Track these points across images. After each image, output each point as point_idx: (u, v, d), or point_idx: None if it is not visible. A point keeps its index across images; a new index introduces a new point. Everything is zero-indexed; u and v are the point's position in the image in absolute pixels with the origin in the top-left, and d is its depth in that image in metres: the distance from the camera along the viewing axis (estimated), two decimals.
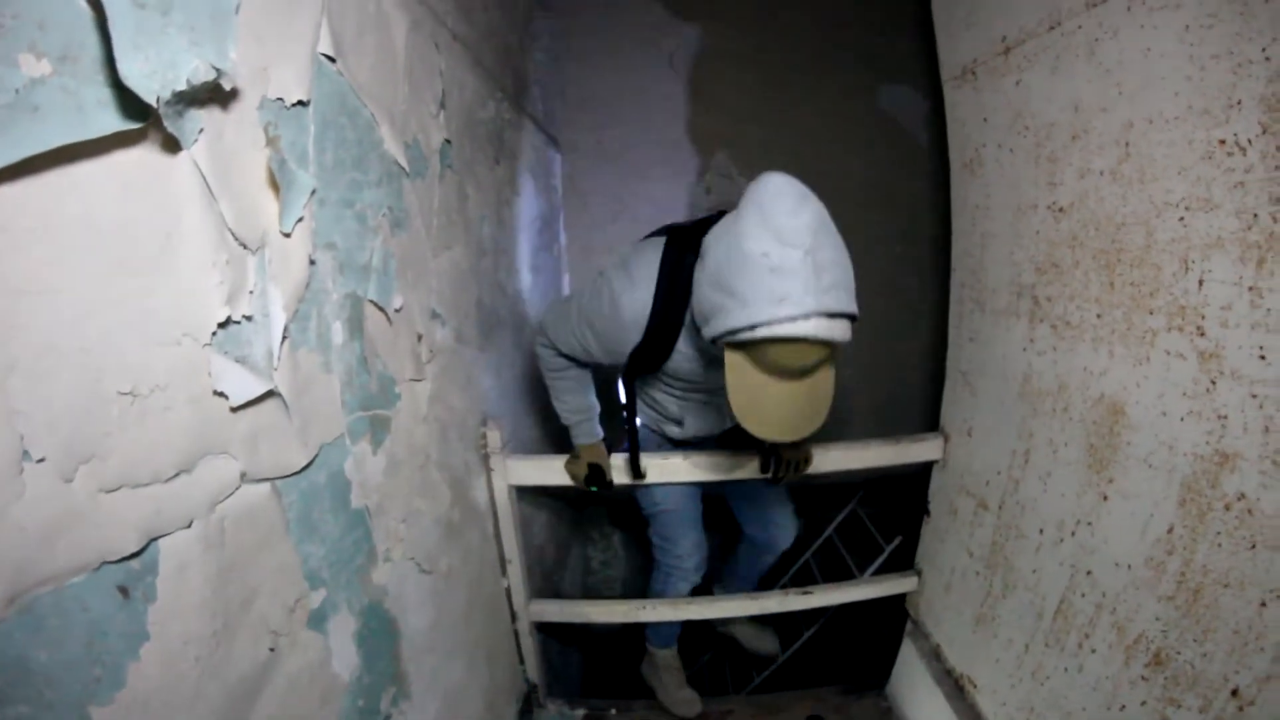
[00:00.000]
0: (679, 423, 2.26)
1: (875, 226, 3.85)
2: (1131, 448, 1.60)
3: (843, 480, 2.53)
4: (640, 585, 2.80)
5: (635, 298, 1.72)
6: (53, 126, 0.66)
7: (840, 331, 1.37)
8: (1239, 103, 1.32)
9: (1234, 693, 1.32)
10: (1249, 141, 1.31)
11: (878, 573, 3.24)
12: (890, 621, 2.82)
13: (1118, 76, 1.61)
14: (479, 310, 2.21)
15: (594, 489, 2.26)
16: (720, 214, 1.62)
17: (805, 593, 2.64)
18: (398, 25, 1.54)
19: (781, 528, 2.66)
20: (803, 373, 1.45)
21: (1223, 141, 1.36)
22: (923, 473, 2.60)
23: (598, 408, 2.22)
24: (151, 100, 0.73)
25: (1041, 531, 1.91)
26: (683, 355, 1.86)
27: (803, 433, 1.50)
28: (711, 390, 2.08)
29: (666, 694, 2.84)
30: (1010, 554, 2.05)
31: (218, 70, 0.83)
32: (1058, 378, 1.86)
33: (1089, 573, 1.71)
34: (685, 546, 2.52)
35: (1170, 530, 1.48)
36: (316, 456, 1.18)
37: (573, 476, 2.26)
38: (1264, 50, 1.27)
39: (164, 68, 0.75)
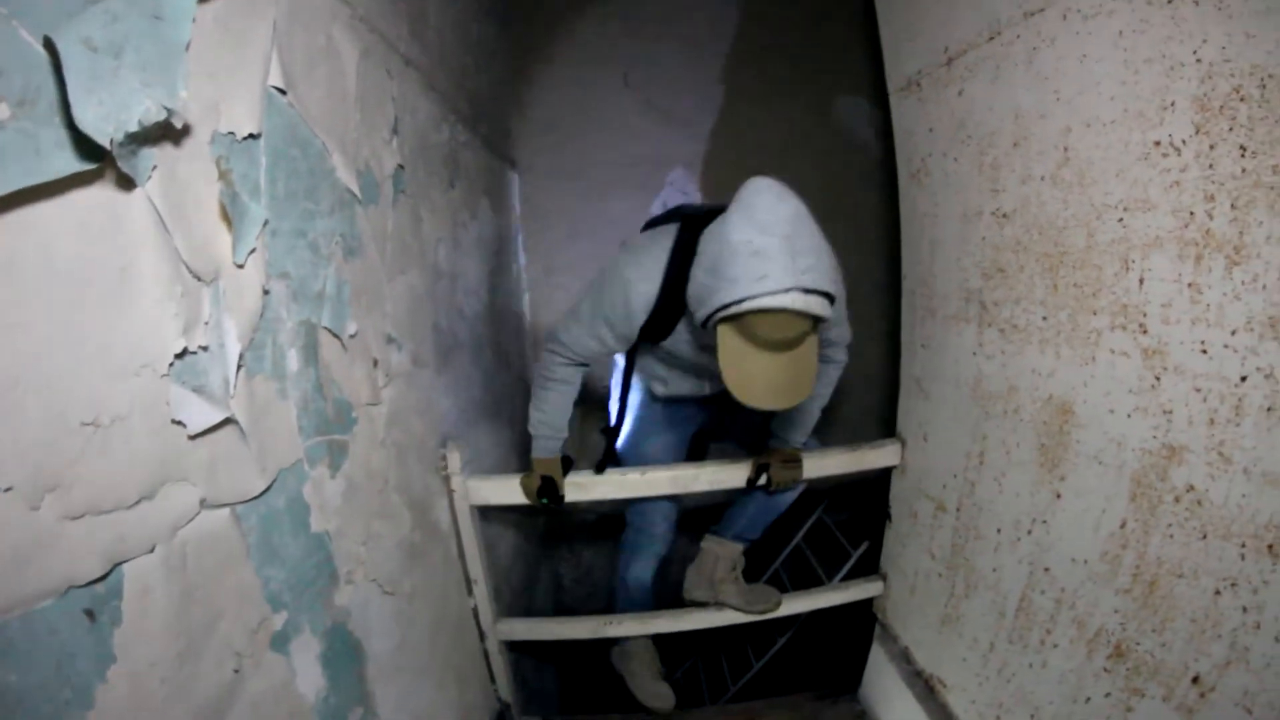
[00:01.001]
0: (664, 382, 2.40)
1: (833, 237, 3.89)
2: (1081, 445, 1.66)
3: (809, 488, 2.56)
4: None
5: (646, 283, 1.88)
6: (13, 169, 0.69)
7: (818, 306, 1.52)
8: (1172, 104, 1.39)
9: (1195, 680, 1.37)
10: (1183, 142, 1.38)
11: (845, 579, 3.29)
12: (861, 626, 2.86)
13: (1055, 83, 1.68)
14: (435, 333, 2.23)
15: (545, 502, 2.29)
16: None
17: None
18: (348, 54, 1.57)
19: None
20: (786, 345, 1.57)
21: (1158, 143, 1.42)
22: (885, 478, 2.66)
23: (566, 434, 2.29)
24: (105, 143, 0.76)
25: (999, 531, 1.96)
26: (680, 337, 2.03)
27: (788, 401, 1.64)
28: (698, 369, 2.25)
29: (638, 686, 2.79)
30: (970, 554, 2.10)
31: (168, 110, 0.86)
32: (1007, 380, 1.93)
33: (1047, 569, 1.77)
34: (660, 511, 2.62)
35: (1123, 524, 1.53)
36: (275, 482, 1.20)
37: (525, 490, 2.31)
38: (1195, 52, 1.34)
39: (117, 109, 0.78)
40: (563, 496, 2.31)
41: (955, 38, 2.03)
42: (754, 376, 1.61)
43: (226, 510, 1.06)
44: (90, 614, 0.79)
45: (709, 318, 1.62)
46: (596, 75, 4.10)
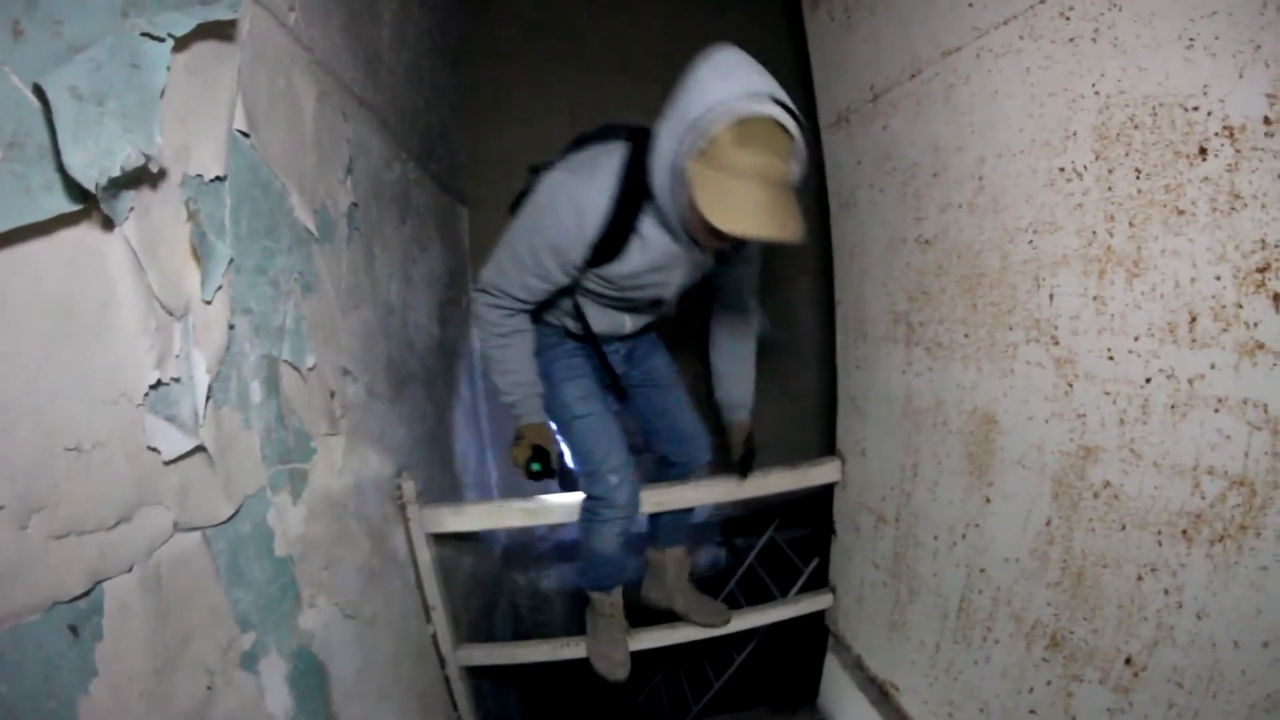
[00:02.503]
0: (579, 319, 2.15)
1: (774, 264, 4.02)
2: (1005, 452, 1.76)
3: (759, 507, 2.64)
4: (572, 627, 2.78)
5: (600, 197, 1.71)
6: (6, 209, 0.75)
7: (795, 129, 1.47)
8: (1074, 134, 1.51)
9: (1127, 661, 1.46)
10: (1084, 168, 1.49)
11: (798, 594, 3.36)
12: (816, 639, 2.94)
13: (970, 117, 1.79)
14: (389, 366, 2.27)
15: (537, 468, 2.14)
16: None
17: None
18: (306, 96, 1.63)
19: (696, 437, 2.49)
20: (767, 179, 1.45)
21: (1062, 169, 1.54)
22: (829, 495, 2.75)
23: (540, 385, 2.15)
24: (91, 187, 0.82)
25: (936, 538, 2.05)
26: (630, 259, 1.83)
27: (781, 230, 1.47)
28: (628, 302, 2.07)
29: (595, 644, 2.55)
30: (911, 562, 2.19)
31: (146, 156, 0.93)
32: (935, 395, 2.03)
33: (983, 570, 1.86)
34: (613, 461, 2.20)
35: (1048, 522, 1.63)
36: (241, 507, 1.24)
37: (515, 461, 2.16)
38: (1094, 85, 1.46)
39: (101, 156, 0.85)
40: (555, 469, 2.18)
41: (880, 76, 2.16)
42: (740, 202, 1.45)
43: (198, 534, 1.11)
44: (74, 629, 0.84)
45: (678, 154, 1.51)
46: (545, 111, 4.18)
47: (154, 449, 1.00)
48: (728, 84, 1.45)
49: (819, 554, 3.34)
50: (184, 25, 1.06)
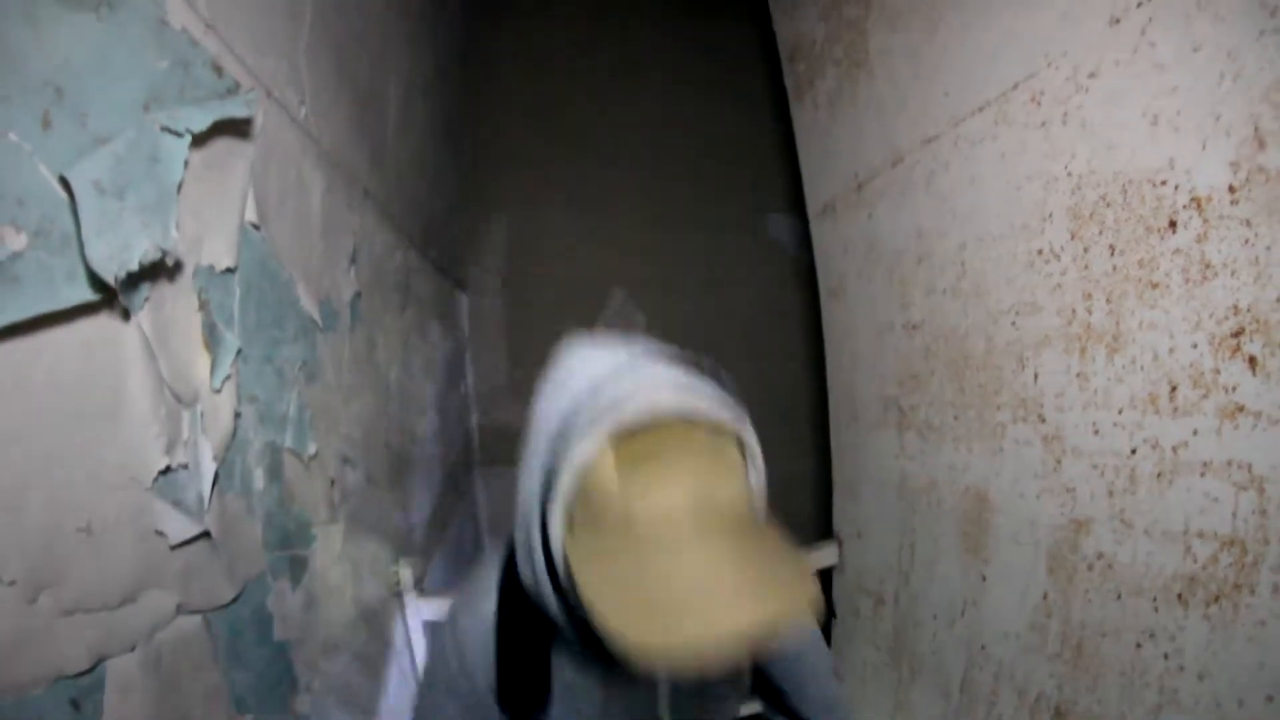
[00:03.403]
0: None
1: (767, 346, 4.11)
2: (999, 529, 1.78)
3: None
4: None
5: (478, 614, 1.09)
6: (30, 297, 0.79)
7: (709, 402, 0.87)
8: (1050, 215, 1.58)
9: None
10: (1061, 249, 1.56)
11: None
12: None
13: (951, 203, 1.87)
14: (388, 453, 2.29)
15: None
16: None
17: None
18: (314, 188, 1.69)
19: None
20: (702, 516, 0.81)
21: (1040, 251, 1.61)
22: (827, 578, 2.74)
23: None
24: (111, 280, 0.87)
25: (935, 617, 2.05)
26: (569, 684, 1.10)
27: (760, 608, 0.76)
28: None
29: None
30: (911, 642, 2.19)
31: (163, 250, 0.98)
32: (928, 477, 2.05)
33: (983, 647, 1.85)
34: None
35: (1045, 596, 1.64)
36: (242, 592, 1.26)
37: None
38: (1065, 167, 1.54)
39: (121, 250, 0.89)
40: None
41: (864, 165, 2.25)
42: (683, 581, 0.77)
43: (199, 616, 1.12)
44: (75, 704, 0.85)
45: (538, 516, 0.90)
46: (541, 199, 4.29)
47: (161, 532, 1.02)
48: (587, 371, 0.91)
49: (825, 636, 3.32)
50: (202, 121, 1.12)
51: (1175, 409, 1.36)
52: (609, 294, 4.39)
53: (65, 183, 0.84)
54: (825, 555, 2.66)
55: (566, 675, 1.09)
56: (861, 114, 2.29)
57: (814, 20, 2.64)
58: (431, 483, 2.86)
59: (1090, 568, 1.54)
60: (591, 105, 4.46)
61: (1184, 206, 1.32)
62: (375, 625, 2.01)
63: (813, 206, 2.65)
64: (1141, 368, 1.41)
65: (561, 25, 4.49)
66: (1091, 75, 1.48)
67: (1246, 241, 1.23)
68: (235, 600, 1.23)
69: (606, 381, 0.87)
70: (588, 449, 0.84)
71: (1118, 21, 1.42)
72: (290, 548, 1.49)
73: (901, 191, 2.11)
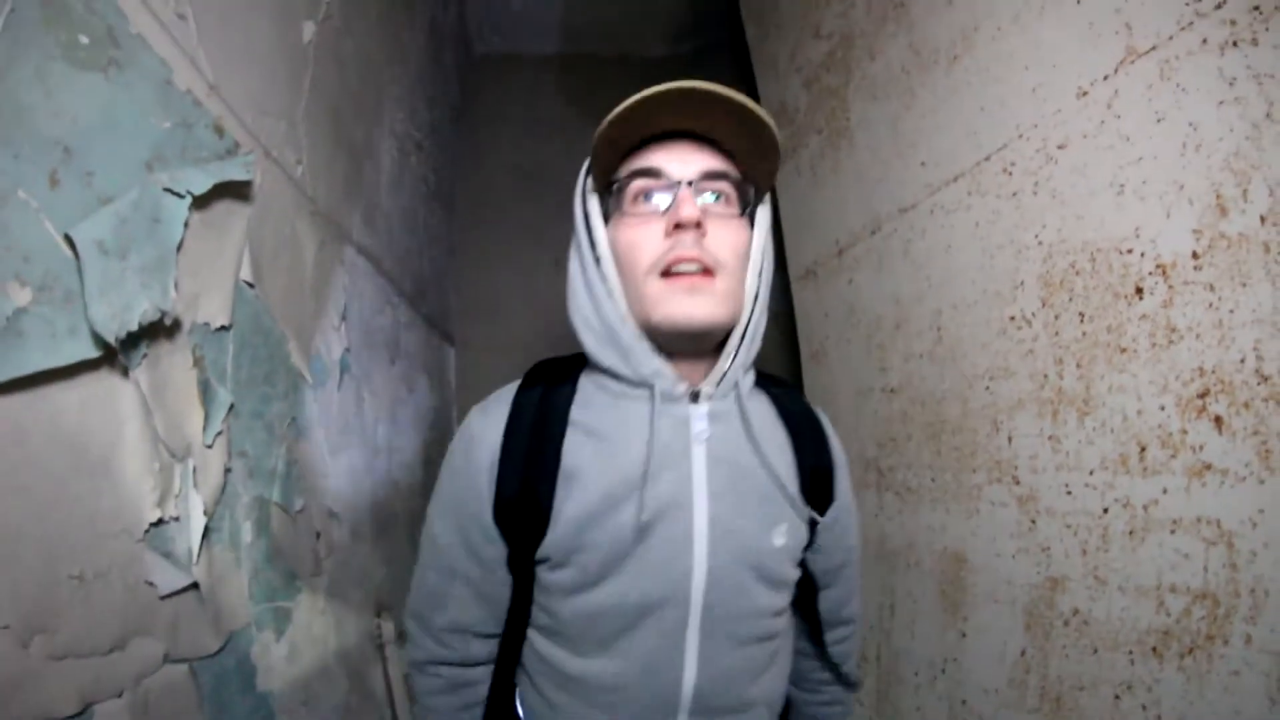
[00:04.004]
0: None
1: None
2: (977, 588, 1.80)
3: None
4: None
5: (490, 414, 1.07)
6: (33, 351, 0.84)
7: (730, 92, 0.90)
8: (1022, 283, 1.63)
9: None
10: (1033, 315, 1.60)
11: None
12: None
13: (927, 270, 1.91)
14: (373, 508, 2.32)
15: None
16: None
17: None
18: (308, 246, 1.75)
19: None
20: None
21: (1013, 318, 1.65)
22: None
23: None
24: (112, 340, 0.92)
25: (917, 674, 2.06)
26: (584, 449, 1.01)
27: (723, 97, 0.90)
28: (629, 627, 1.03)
29: None
30: (894, 698, 2.19)
31: (162, 311, 1.02)
32: (907, 537, 2.08)
33: (964, 702, 1.86)
34: None
35: (1023, 653, 1.65)
36: (227, 642, 1.28)
37: None
38: (1036, 236, 1.59)
39: (122, 310, 0.94)
40: None
41: (845, 231, 2.31)
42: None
43: (185, 665, 1.15)
44: None
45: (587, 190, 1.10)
46: (532, 256, 4.34)
47: (151, 583, 1.06)
48: None
49: None
50: (202, 184, 1.18)
51: (1145, 469, 1.39)
52: None
53: (70, 241, 0.88)
54: None
55: (585, 413, 1.06)
56: (842, 181, 2.37)
57: (798, 88, 2.73)
58: (415, 537, 2.83)
59: (1066, 624, 1.56)
60: (577, 166, 4.53)
61: (1150, 273, 1.37)
62: (356, 677, 2.01)
63: (794, 270, 2.71)
64: (1111, 430, 1.45)
65: (550, 88, 4.61)
66: (1061, 146, 1.54)
67: (1210, 305, 1.27)
68: (221, 650, 1.26)
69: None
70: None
71: (1085, 94, 1.49)
72: (275, 600, 1.51)
73: (880, 258, 2.17)
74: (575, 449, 1.02)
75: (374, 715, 2.13)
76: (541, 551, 1.01)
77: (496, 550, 1.05)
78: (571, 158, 4.24)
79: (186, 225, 1.13)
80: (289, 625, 1.57)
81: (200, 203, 1.19)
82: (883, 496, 2.20)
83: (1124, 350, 1.42)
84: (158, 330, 1.07)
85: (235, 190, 1.32)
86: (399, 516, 2.65)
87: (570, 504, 0.99)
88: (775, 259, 1.15)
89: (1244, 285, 1.23)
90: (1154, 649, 1.38)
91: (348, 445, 2.06)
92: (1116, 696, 1.45)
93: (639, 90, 0.91)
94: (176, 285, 1.09)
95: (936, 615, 1.96)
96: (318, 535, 1.78)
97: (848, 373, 2.37)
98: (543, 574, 1.04)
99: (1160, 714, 1.37)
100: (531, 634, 1.11)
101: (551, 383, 1.10)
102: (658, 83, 0.90)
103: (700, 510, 1.01)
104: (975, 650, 1.82)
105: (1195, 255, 1.29)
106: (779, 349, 4.23)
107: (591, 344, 1.05)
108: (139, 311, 0.98)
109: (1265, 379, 1.20)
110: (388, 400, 2.59)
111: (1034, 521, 1.63)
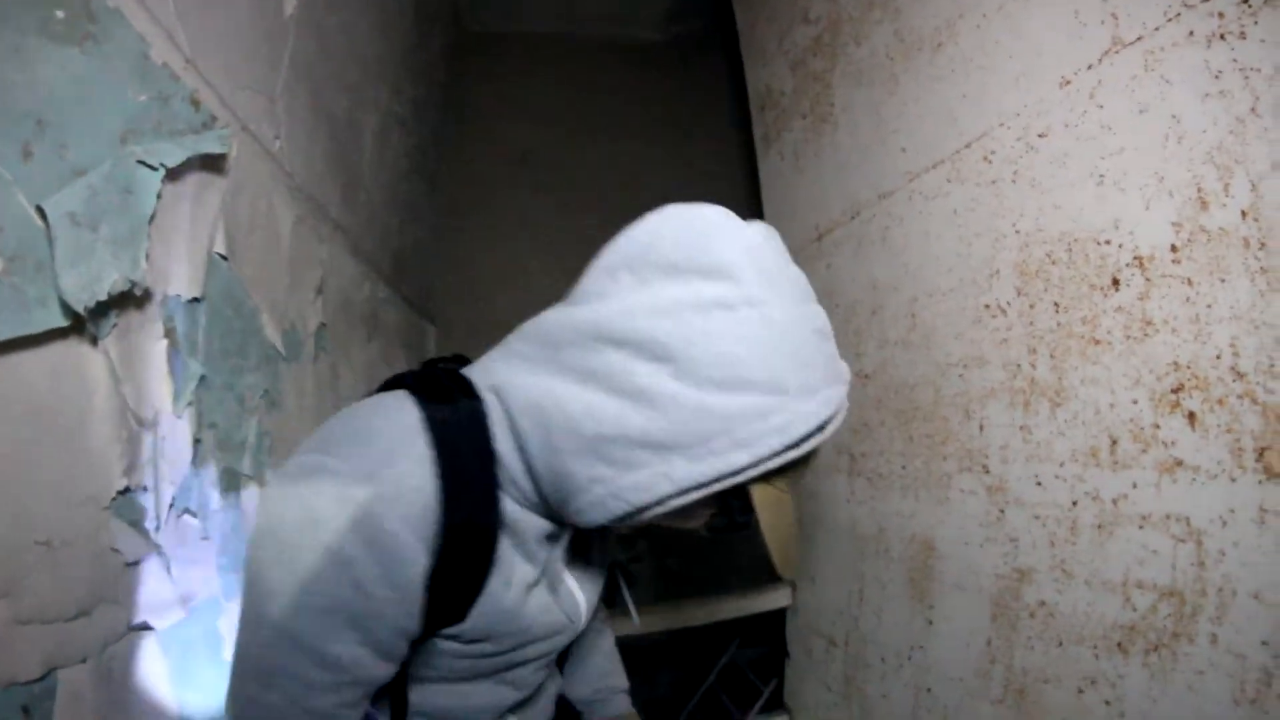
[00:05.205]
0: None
1: None
2: (945, 576, 1.82)
3: (718, 626, 2.68)
4: None
5: (403, 473, 0.81)
6: (3, 320, 0.83)
7: None
8: (998, 272, 1.64)
9: None
10: (1008, 304, 1.62)
11: (757, 715, 3.34)
12: None
13: (905, 257, 1.93)
14: None
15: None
16: (458, 358, 1.15)
17: None
18: (284, 220, 1.74)
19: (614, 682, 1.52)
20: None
21: (987, 306, 1.67)
22: (781, 619, 2.79)
23: None
24: (81, 310, 0.92)
25: (884, 660, 2.09)
26: (507, 586, 0.93)
27: None
28: (519, 659, 1.04)
29: None
30: (861, 683, 2.22)
31: (132, 282, 1.03)
32: (877, 523, 2.10)
33: (929, 690, 1.88)
34: None
35: (989, 642, 1.68)
36: (193, 612, 1.29)
37: None
38: (1014, 225, 1.60)
39: (92, 281, 0.94)
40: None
41: (824, 216, 2.33)
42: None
43: (150, 633, 1.16)
44: (26, 710, 0.88)
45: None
46: (512, 238, 4.35)
47: (117, 550, 1.06)
48: (821, 361, 0.81)
49: (777, 674, 3.35)
50: (177, 156, 1.17)
51: (1115, 462, 1.41)
52: None
53: (41, 212, 0.88)
54: (778, 597, 2.71)
55: (513, 573, 0.93)
56: (824, 166, 2.38)
57: (784, 72, 2.73)
58: None
59: (1032, 615, 1.58)
60: (564, 149, 4.54)
61: (1127, 265, 1.38)
62: None
63: None
64: (1083, 422, 1.47)
65: (540, 70, 4.61)
66: (1042, 135, 1.56)
67: (1187, 299, 1.28)
68: (186, 619, 1.26)
69: (824, 364, 0.81)
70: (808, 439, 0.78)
71: (1068, 83, 1.50)
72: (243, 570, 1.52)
73: (858, 244, 2.19)
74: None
75: None
76: (453, 630, 0.92)
77: (407, 637, 0.89)
78: (559, 139, 4.25)
79: (159, 197, 1.12)
80: None
81: (174, 175, 1.18)
82: (854, 482, 2.23)
83: (1098, 342, 1.44)
84: (128, 301, 1.06)
85: (210, 163, 1.32)
86: None
87: (499, 595, 0.92)
88: None
89: (1222, 280, 1.24)
90: (1119, 645, 1.40)
91: (322, 419, 2.05)
92: (1080, 691, 1.47)
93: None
94: (148, 257, 1.09)
95: (904, 602, 1.99)
96: None
97: None
98: (443, 643, 0.94)
99: (1124, 711, 1.39)
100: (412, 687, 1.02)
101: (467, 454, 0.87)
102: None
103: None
104: (942, 638, 1.85)
105: (1174, 249, 1.30)
106: None
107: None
108: (109, 282, 0.98)
109: (1240, 376, 1.21)
110: (365, 376, 2.58)
111: (1003, 511, 1.65)
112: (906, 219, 1.97)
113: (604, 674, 1.48)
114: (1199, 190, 1.27)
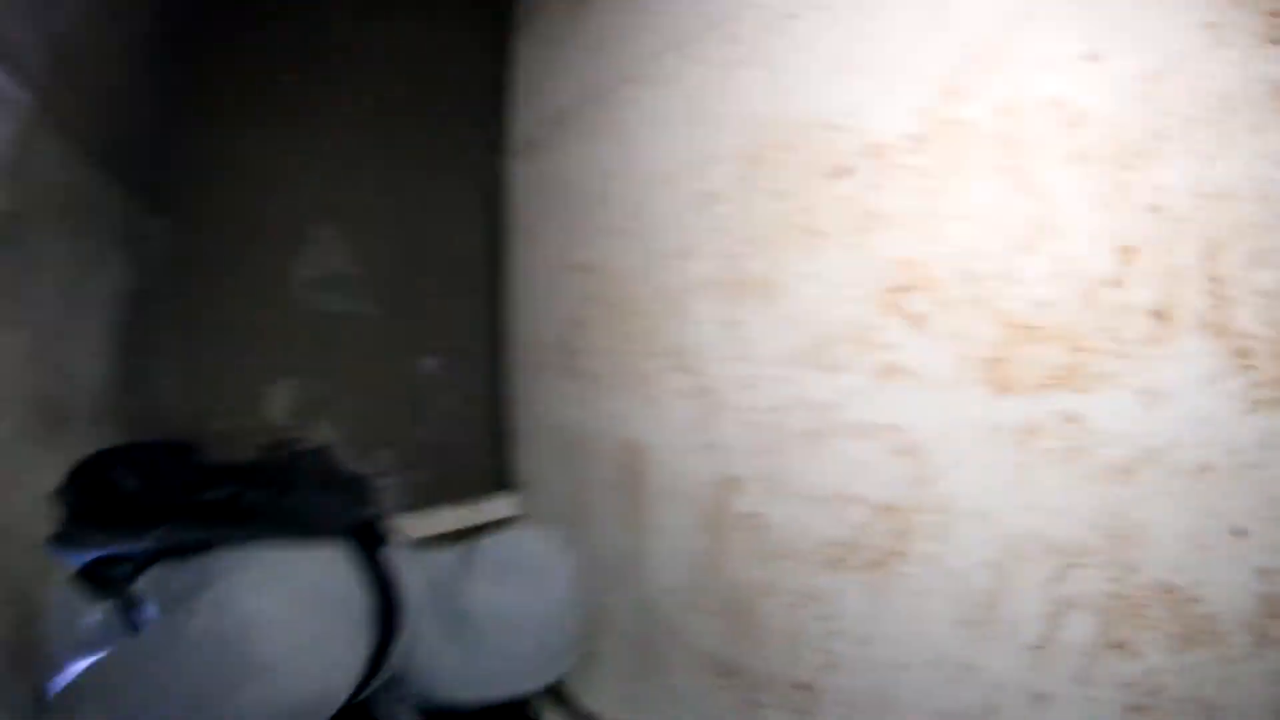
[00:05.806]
0: None
1: (473, 286, 3.92)
2: (655, 484, 1.77)
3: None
4: None
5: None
6: None
7: None
8: (721, 156, 1.57)
9: (803, 686, 1.44)
10: (728, 192, 1.56)
11: None
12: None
13: (638, 142, 1.85)
14: (39, 400, 2.03)
15: None
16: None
17: None
18: None
19: None
20: None
21: (707, 193, 1.60)
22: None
23: None
24: None
25: (604, 571, 2.02)
26: None
27: None
28: None
29: None
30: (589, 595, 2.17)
31: None
32: (591, 425, 2.04)
33: (648, 601, 1.85)
34: None
35: (704, 553, 1.63)
36: None
37: None
38: (749, 108, 1.53)
39: None
40: None
41: (568, 101, 2.19)
42: None
43: None
44: None
45: None
46: (261, 124, 3.90)
47: None
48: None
49: None
50: None
51: (829, 365, 1.35)
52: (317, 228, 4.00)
53: None
54: (500, 507, 2.59)
55: None
56: (579, 48, 2.23)
57: None
58: (96, 433, 2.52)
59: (745, 527, 1.53)
60: (321, 31, 4.10)
61: (856, 152, 1.30)
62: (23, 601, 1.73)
63: (514, 144, 2.59)
64: (796, 321, 1.41)
65: None
66: (791, 17, 1.45)
67: (922, 193, 1.22)
68: None
69: None
70: None
71: None
72: None
73: (594, 129, 2.07)
74: None
75: None
76: None
77: None
78: (309, 24, 3.80)
79: None
80: None
81: None
82: (570, 382, 2.13)
83: (818, 234, 1.36)
84: None
85: None
86: (79, 410, 2.31)
87: None
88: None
89: (968, 177, 1.17)
90: (835, 561, 1.36)
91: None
92: (793, 605, 1.44)
93: None
94: None
95: (619, 511, 1.93)
96: None
97: (552, 250, 2.27)
98: None
99: (843, 628, 1.37)
100: None
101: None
102: None
103: None
104: (656, 549, 1.81)
105: (914, 138, 1.22)
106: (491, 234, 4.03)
107: None
108: None
109: (975, 279, 1.15)
110: (67, 277, 2.21)
111: (713, 415, 1.59)
112: (643, 102, 1.86)
113: None
114: (950, 80, 1.19)
